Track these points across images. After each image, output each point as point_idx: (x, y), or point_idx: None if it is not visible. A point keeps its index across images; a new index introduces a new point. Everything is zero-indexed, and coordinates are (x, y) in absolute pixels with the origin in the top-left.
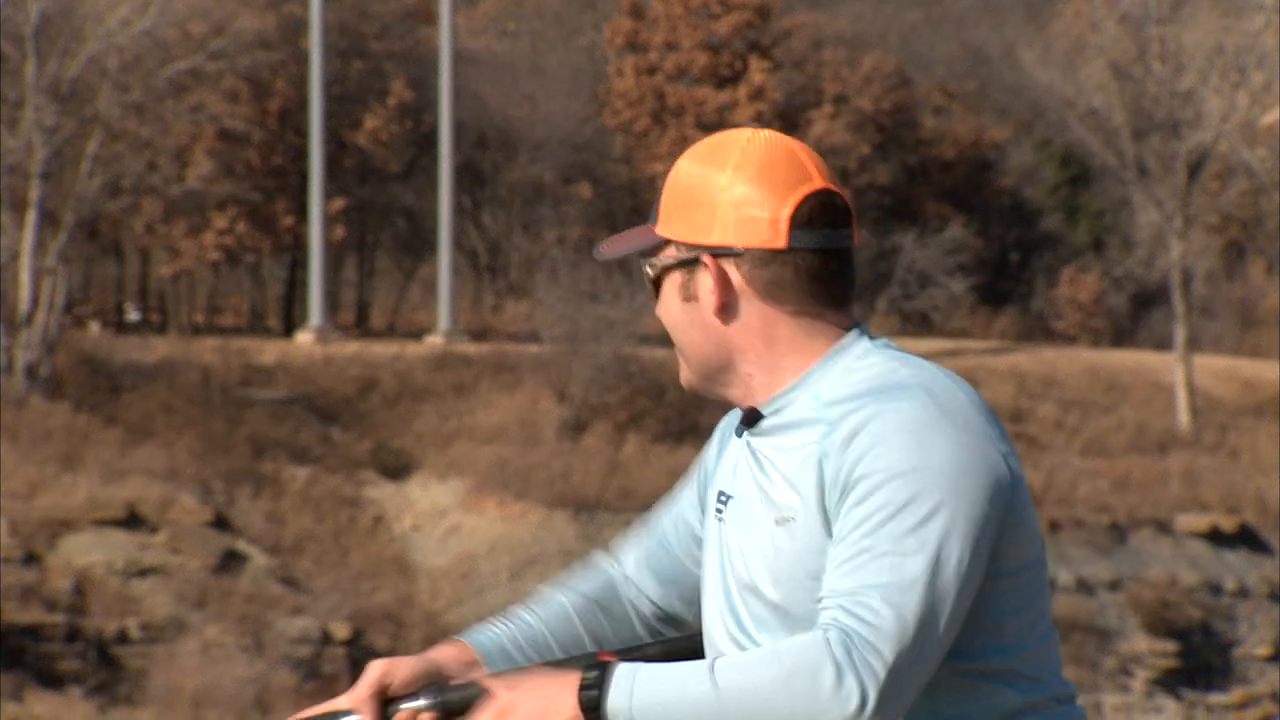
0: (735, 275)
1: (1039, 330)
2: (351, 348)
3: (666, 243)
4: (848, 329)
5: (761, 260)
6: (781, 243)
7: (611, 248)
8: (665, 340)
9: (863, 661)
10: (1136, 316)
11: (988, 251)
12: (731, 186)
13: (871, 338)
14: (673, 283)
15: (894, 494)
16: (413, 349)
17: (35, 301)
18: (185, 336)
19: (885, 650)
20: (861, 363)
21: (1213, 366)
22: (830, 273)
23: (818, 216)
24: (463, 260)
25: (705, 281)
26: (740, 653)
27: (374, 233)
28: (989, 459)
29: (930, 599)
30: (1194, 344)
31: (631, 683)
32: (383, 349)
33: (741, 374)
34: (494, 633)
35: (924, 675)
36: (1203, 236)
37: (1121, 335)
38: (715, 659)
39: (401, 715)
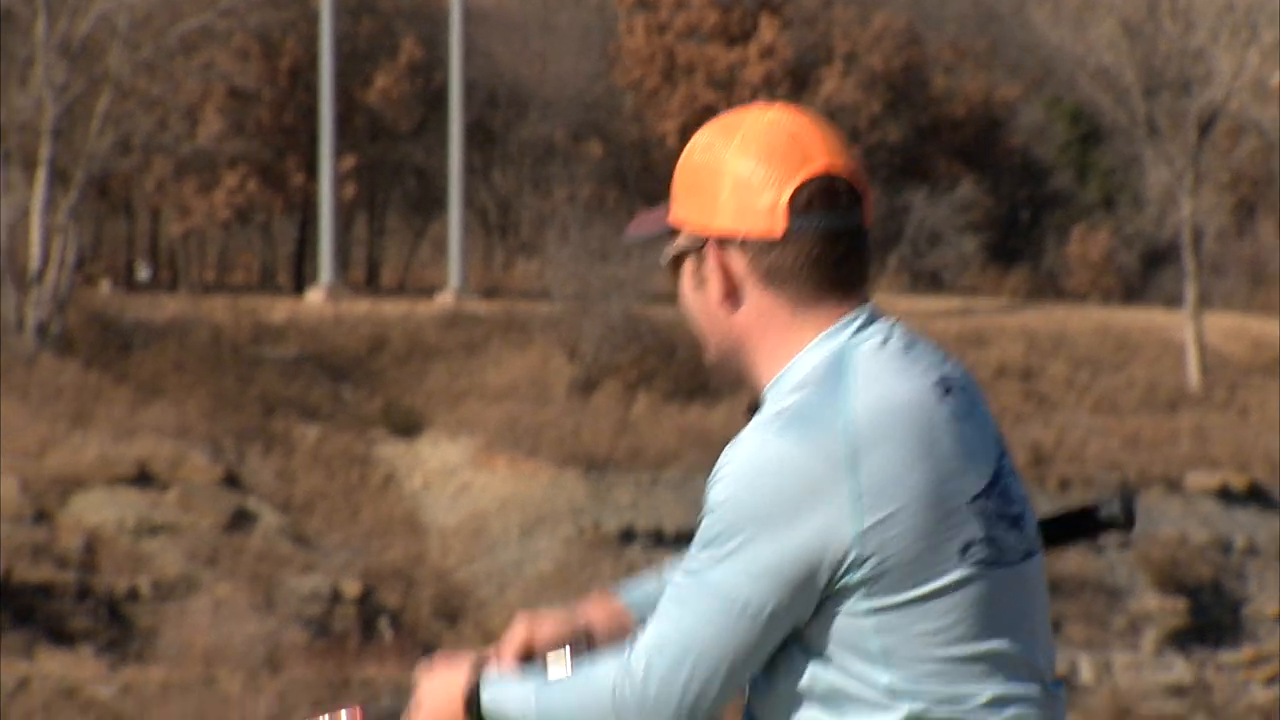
0: (738, 263)
1: (1049, 288)
2: (362, 306)
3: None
4: (845, 313)
5: (762, 248)
6: (779, 230)
7: (636, 229)
8: (675, 299)
9: (627, 712)
10: (1147, 274)
11: (998, 210)
12: (733, 172)
13: (869, 321)
14: (686, 268)
15: (704, 525)
16: (423, 307)
17: (46, 259)
18: (196, 295)
19: (642, 698)
20: (808, 357)
21: (1223, 324)
22: (835, 257)
23: (818, 200)
24: (473, 218)
25: (711, 269)
26: (572, 675)
27: (384, 191)
28: (796, 523)
29: (696, 639)
30: (1204, 302)
31: (490, 691)
32: (393, 307)
33: (749, 360)
34: (648, 589)
35: (705, 709)
36: (1213, 194)
37: (1132, 293)
38: (546, 680)
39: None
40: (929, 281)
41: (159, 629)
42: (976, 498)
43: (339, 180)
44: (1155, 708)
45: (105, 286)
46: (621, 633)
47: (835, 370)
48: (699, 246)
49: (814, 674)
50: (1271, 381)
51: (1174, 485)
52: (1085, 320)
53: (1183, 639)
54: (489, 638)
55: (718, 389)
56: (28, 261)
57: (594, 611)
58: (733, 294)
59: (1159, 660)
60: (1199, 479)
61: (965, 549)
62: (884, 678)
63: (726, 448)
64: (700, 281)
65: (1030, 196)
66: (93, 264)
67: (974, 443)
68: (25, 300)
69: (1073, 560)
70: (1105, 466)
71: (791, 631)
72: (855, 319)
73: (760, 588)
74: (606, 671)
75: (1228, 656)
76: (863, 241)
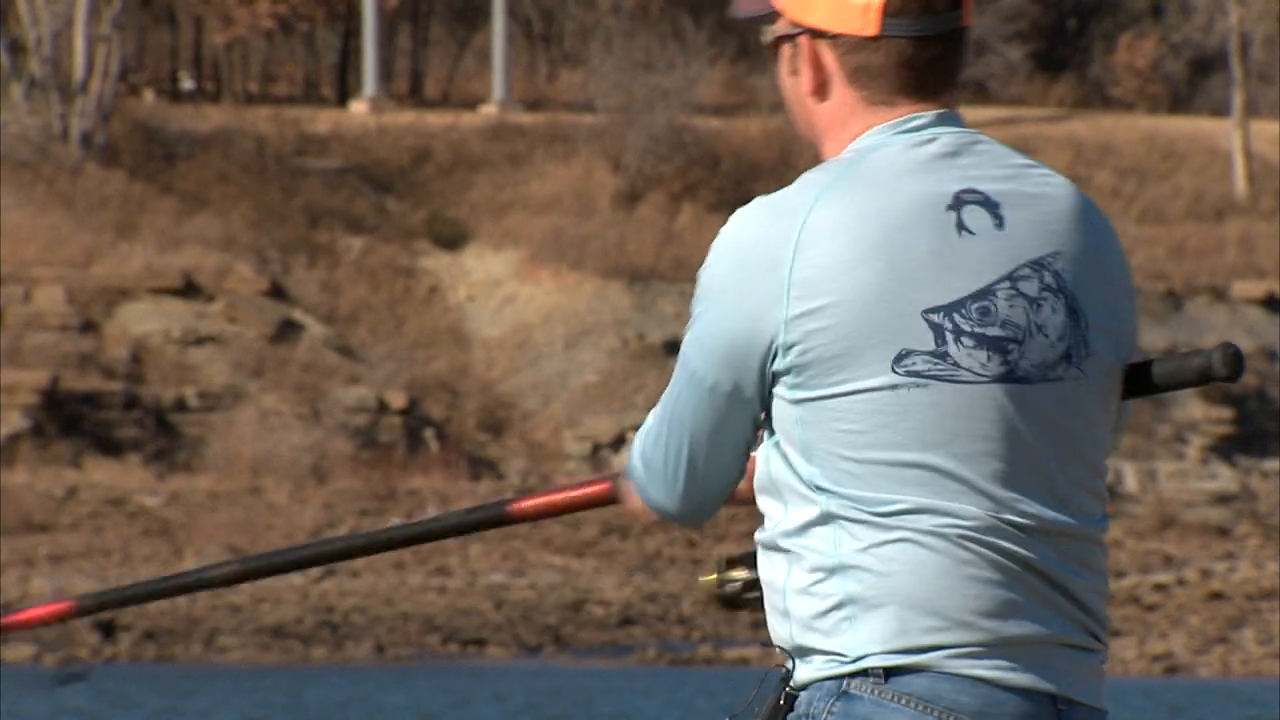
0: (829, 57)
1: (1096, 97)
2: (406, 117)
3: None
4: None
5: (853, 46)
6: (872, 30)
7: (742, 5)
8: (720, 110)
9: (634, 471)
10: (1194, 82)
11: (1045, 18)
12: None
13: (933, 124)
14: (783, 54)
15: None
16: (467, 119)
17: (90, 69)
18: (239, 105)
19: (643, 465)
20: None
21: (1270, 132)
22: (924, 60)
23: (913, 2)
24: (517, 29)
25: (803, 60)
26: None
27: (428, 1)
28: (756, 269)
29: (673, 411)
30: (1251, 110)
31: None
32: (437, 119)
33: (825, 154)
34: None
35: (684, 479)
36: (1261, 1)
37: (1179, 102)
38: None
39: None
40: (975, 91)
41: (206, 439)
42: (935, 309)
43: None
44: (1200, 515)
45: (149, 96)
46: None
47: (849, 161)
48: (796, 35)
49: (770, 461)
50: None
51: (1220, 294)
52: (1132, 129)
53: (1227, 447)
54: (533, 449)
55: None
56: (72, 71)
57: None
58: (821, 87)
59: (1204, 469)
60: (1245, 288)
61: (900, 357)
62: (805, 471)
63: None
64: (794, 69)
65: (1077, 4)
66: (136, 74)
67: (962, 258)
68: (70, 110)
69: None
70: (1152, 276)
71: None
72: (915, 118)
73: (707, 361)
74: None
75: (1273, 464)
76: (956, 45)
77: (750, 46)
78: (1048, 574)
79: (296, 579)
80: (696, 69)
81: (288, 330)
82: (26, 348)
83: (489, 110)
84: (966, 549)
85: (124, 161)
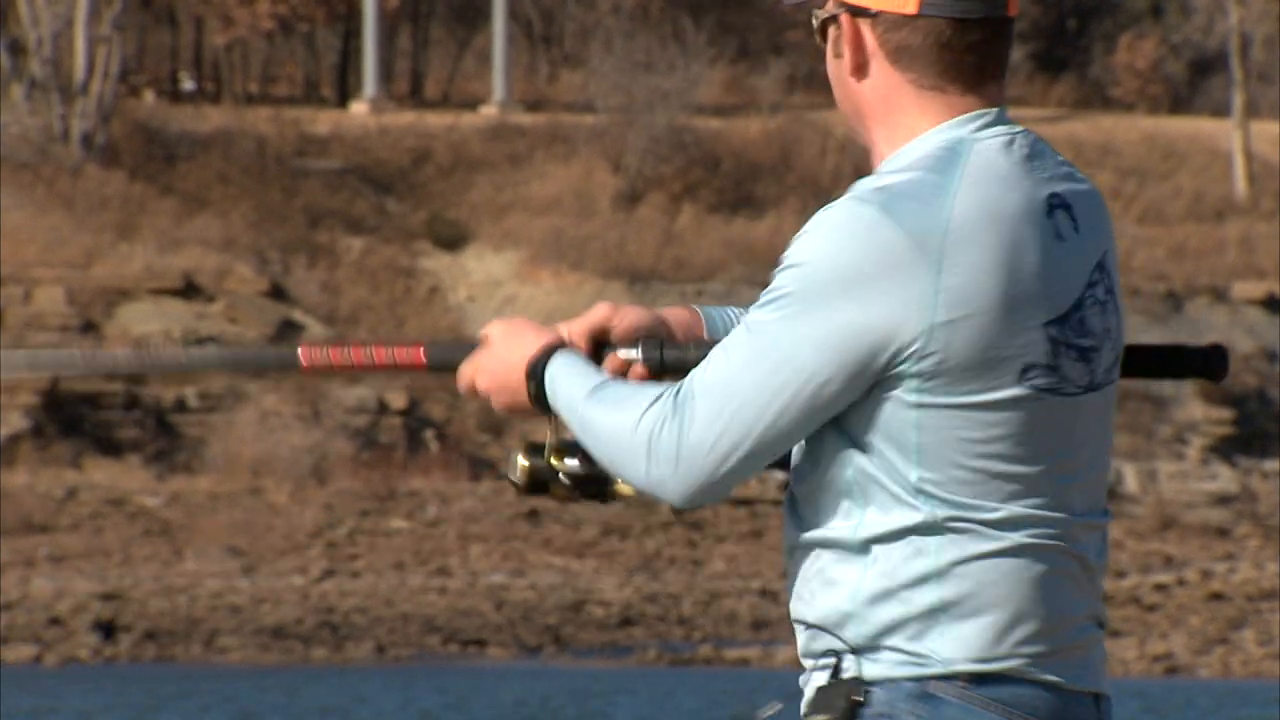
0: (870, 37)
1: (1096, 97)
2: (406, 118)
3: None
4: (972, 109)
5: (894, 24)
6: (912, 8)
7: None
8: (720, 111)
9: (661, 451)
10: (1194, 83)
11: (1045, 18)
12: None
13: (996, 122)
14: (830, 35)
15: (776, 281)
16: (467, 119)
17: (90, 70)
18: (239, 106)
19: (658, 444)
20: (925, 142)
21: (1270, 133)
22: (965, 44)
23: None
24: (517, 30)
25: (845, 40)
26: (623, 384)
27: (428, 2)
28: (893, 272)
29: (748, 401)
30: (1252, 110)
31: (554, 368)
32: (437, 119)
33: (869, 137)
34: (727, 314)
35: (728, 468)
36: (1261, 1)
37: (1179, 102)
38: (606, 381)
39: (612, 360)
40: None
41: (206, 439)
42: (1050, 323)
43: None
44: (1200, 516)
45: (149, 97)
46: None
47: (950, 160)
48: (839, 14)
49: (850, 460)
50: None
51: (1220, 295)
52: (1132, 129)
53: (1228, 448)
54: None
55: (762, 200)
56: (72, 72)
57: (674, 315)
58: (861, 67)
59: (1204, 469)
60: (1245, 288)
61: (1025, 370)
62: (913, 474)
63: (820, 210)
64: (838, 52)
65: (1077, 5)
66: (136, 75)
67: (1064, 267)
68: (70, 111)
69: None
70: (1152, 277)
71: (835, 417)
72: (983, 116)
73: (820, 356)
74: (652, 401)
75: (1273, 465)
76: (998, 33)
77: (750, 47)
78: (1091, 569)
79: (297, 580)
80: (696, 70)
81: (288, 331)
82: (27, 348)
83: (489, 111)
84: (1052, 559)
85: (124, 162)
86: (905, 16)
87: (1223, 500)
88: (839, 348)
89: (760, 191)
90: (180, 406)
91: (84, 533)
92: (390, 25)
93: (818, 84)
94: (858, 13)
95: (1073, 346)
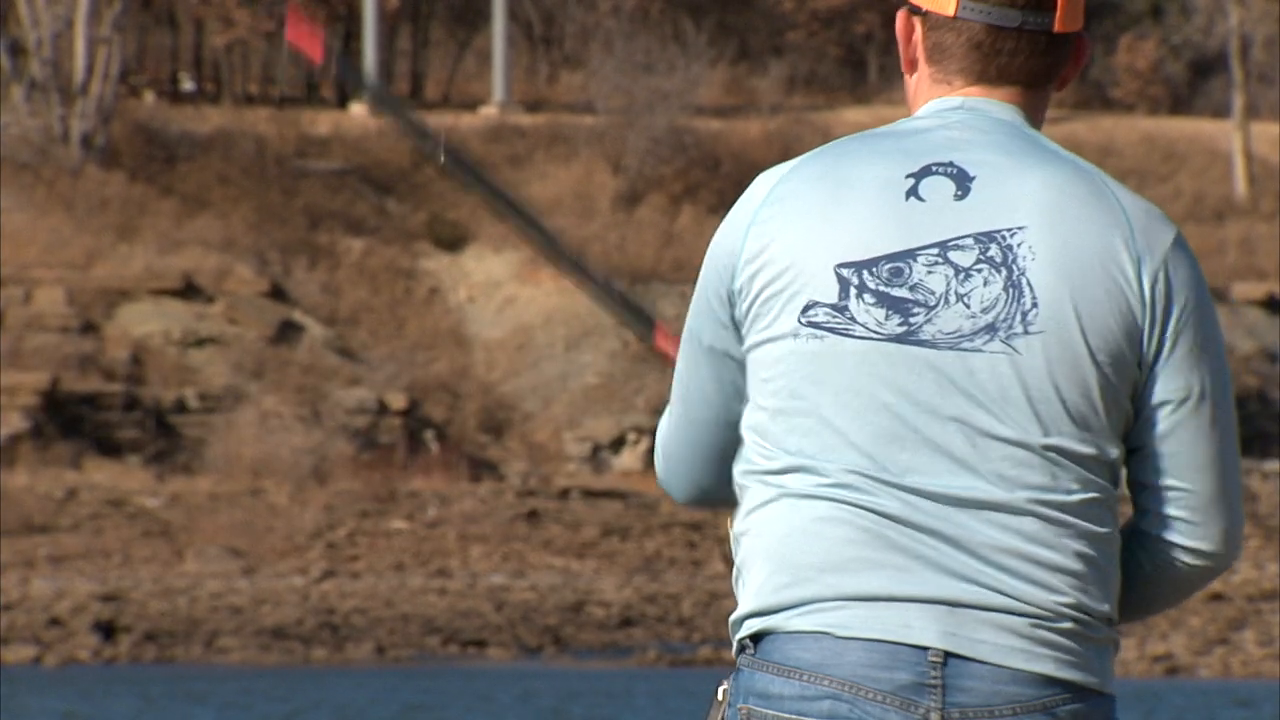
0: (918, 34)
1: (1096, 99)
2: None
3: None
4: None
5: (935, 23)
6: (951, 10)
7: None
8: (720, 112)
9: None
10: (1194, 84)
11: None
12: None
13: (960, 106)
14: None
15: None
16: (467, 120)
17: (90, 71)
18: (239, 107)
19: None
20: None
21: (1270, 134)
22: (995, 50)
23: None
24: (517, 30)
25: (899, 34)
26: None
27: (428, 2)
28: (728, 224)
29: (680, 365)
30: (1252, 112)
31: None
32: (437, 120)
33: None
34: None
35: (684, 442)
36: (1261, 3)
37: (1179, 103)
38: None
39: None
40: None
41: (206, 440)
42: (847, 264)
43: None
44: None
45: (149, 98)
46: None
47: (860, 135)
48: (901, 9)
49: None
50: None
51: (1220, 296)
52: (1132, 130)
53: None
54: (534, 450)
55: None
56: (72, 73)
57: None
58: (911, 64)
59: None
60: (1245, 289)
61: (806, 308)
62: (744, 419)
63: None
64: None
65: None
66: (137, 75)
67: (901, 220)
68: (70, 112)
69: None
70: None
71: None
72: (952, 99)
73: (694, 310)
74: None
75: (1273, 465)
76: (1040, 46)
77: (750, 48)
78: (932, 531)
79: (297, 580)
80: (697, 71)
81: (288, 332)
82: (27, 349)
83: (489, 111)
84: (832, 504)
85: (124, 163)
86: (946, 18)
87: None
88: (698, 296)
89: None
90: (180, 407)
91: (84, 533)
92: (390, 26)
93: (817, 85)
94: (914, 10)
95: (872, 292)
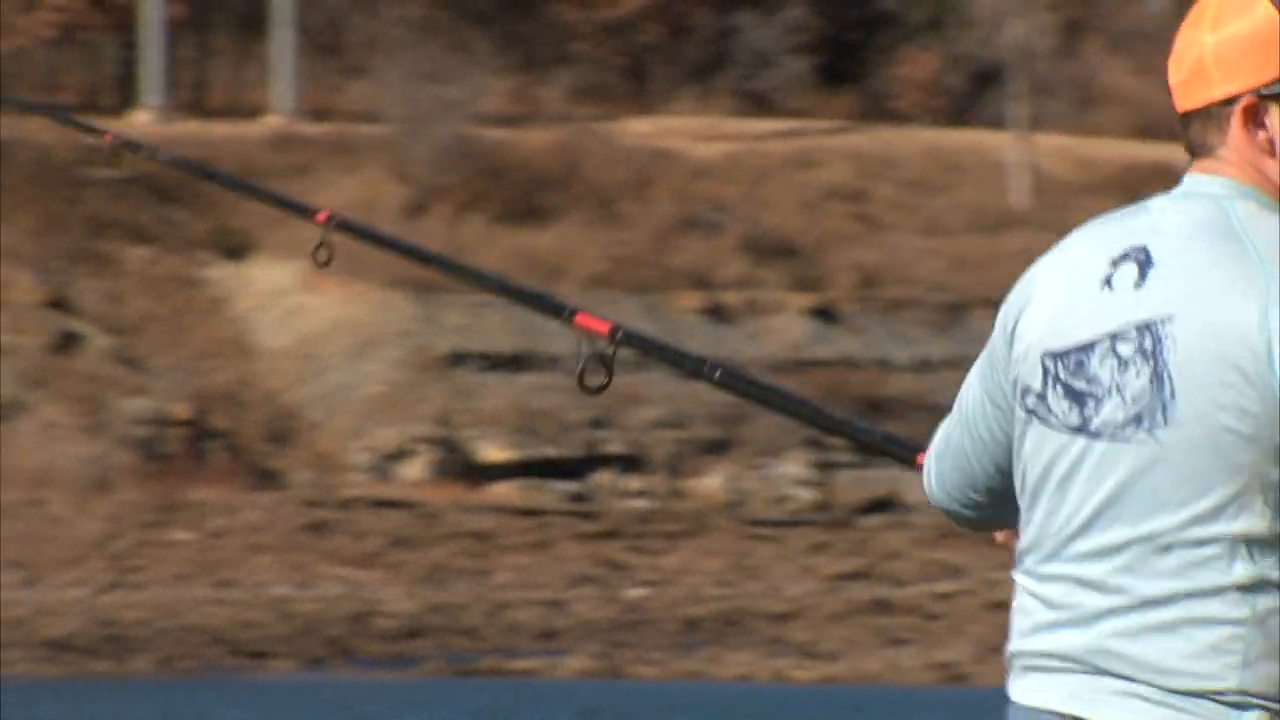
0: None
1: (878, 110)
2: (189, 127)
3: None
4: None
5: None
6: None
7: None
8: (506, 121)
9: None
10: (975, 95)
11: (828, 31)
12: None
13: (1181, 193)
14: None
15: None
16: (252, 129)
17: None
18: (20, 114)
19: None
20: None
21: (1050, 145)
22: (1185, 132)
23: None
24: (303, 39)
25: None
26: None
27: (212, 11)
28: (998, 333)
29: (956, 410)
30: (1032, 123)
31: None
32: (221, 129)
33: None
34: None
35: (951, 481)
36: (1041, 14)
37: (960, 114)
38: None
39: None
40: (758, 104)
41: None
42: (1049, 354)
43: None
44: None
45: None
46: None
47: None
48: None
49: None
50: (1098, 202)
51: (998, 306)
52: (914, 142)
53: None
54: (319, 460)
55: (548, 211)
56: None
57: None
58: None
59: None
60: None
61: (1024, 392)
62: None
63: None
64: None
65: (859, 17)
66: None
67: (1091, 309)
68: None
69: (903, 381)
70: (933, 288)
71: None
72: (1187, 177)
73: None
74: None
75: None
76: (1193, 123)
77: (535, 58)
78: (1057, 608)
79: (79, 591)
80: (482, 80)
81: (70, 341)
82: None
83: (274, 120)
84: (1026, 589)
85: None
86: None
87: None
88: (983, 355)
89: (546, 202)
90: None
91: None
92: (174, 34)
93: (603, 95)
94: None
95: (1062, 383)
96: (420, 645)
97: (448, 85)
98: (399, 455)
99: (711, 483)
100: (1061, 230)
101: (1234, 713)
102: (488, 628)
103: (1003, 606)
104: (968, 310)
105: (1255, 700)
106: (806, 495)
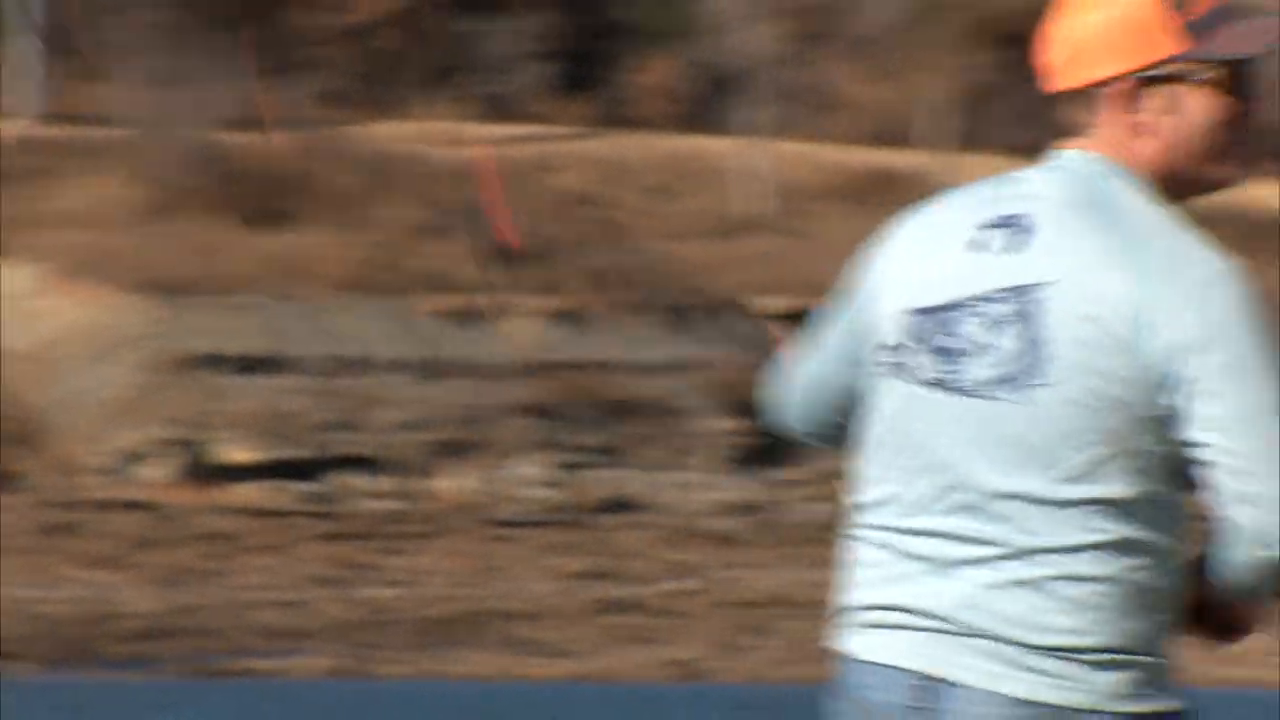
0: None
1: (618, 116)
2: None
3: None
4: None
5: None
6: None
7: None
8: (249, 125)
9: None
10: (714, 102)
11: (568, 37)
12: None
13: (1060, 160)
14: None
15: None
16: None
17: None
18: None
19: None
20: None
21: (789, 151)
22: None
23: None
24: (44, 42)
25: None
26: None
27: None
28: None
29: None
30: (771, 129)
31: None
32: None
33: None
34: None
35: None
36: (780, 22)
37: (700, 121)
38: None
39: None
40: (498, 108)
41: None
42: (910, 310)
43: None
44: (715, 525)
45: None
46: None
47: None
48: None
49: None
50: (835, 206)
51: (740, 309)
52: (654, 148)
53: (743, 457)
54: (61, 463)
55: (294, 214)
56: None
57: None
58: None
59: (719, 479)
60: (766, 303)
61: (879, 348)
62: None
63: None
64: None
65: (599, 24)
66: None
67: (957, 270)
68: None
69: (638, 384)
70: (676, 291)
71: None
72: (1059, 153)
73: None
74: None
75: (790, 474)
76: (1061, 102)
77: (279, 63)
78: (928, 558)
79: None
80: (225, 84)
81: None
82: None
83: (17, 123)
84: (872, 545)
85: None
86: None
87: (739, 509)
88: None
89: (289, 206)
90: None
91: None
92: None
93: (344, 100)
94: None
95: (924, 340)
96: (163, 646)
97: (190, 89)
98: (140, 457)
99: (454, 484)
100: (802, 234)
101: (1096, 672)
102: (231, 628)
103: (737, 605)
104: (709, 312)
105: (1118, 657)
106: (548, 496)
